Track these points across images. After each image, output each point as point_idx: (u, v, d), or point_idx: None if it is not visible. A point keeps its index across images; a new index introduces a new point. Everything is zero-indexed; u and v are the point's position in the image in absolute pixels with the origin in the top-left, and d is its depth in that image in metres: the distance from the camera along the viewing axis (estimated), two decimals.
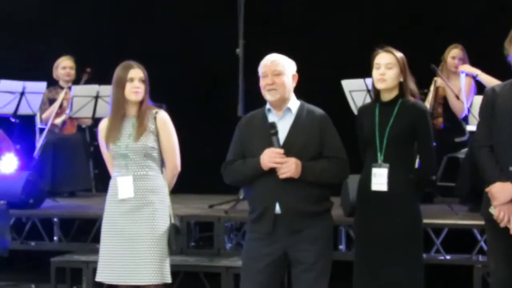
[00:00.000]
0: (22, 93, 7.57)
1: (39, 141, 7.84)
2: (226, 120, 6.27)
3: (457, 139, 7.61)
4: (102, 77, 6.28)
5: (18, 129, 7.92)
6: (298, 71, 4.63)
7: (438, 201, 7.13)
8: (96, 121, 7.69)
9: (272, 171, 4.40)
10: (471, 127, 6.97)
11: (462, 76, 7.47)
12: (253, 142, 4.53)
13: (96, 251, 4.98)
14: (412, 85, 4.66)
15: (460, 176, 7.04)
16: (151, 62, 5.03)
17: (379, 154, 4.57)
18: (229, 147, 4.69)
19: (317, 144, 4.48)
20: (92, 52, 8.97)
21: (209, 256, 6.38)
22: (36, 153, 7.74)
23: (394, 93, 4.62)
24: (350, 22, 8.47)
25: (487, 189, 4.29)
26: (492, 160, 4.28)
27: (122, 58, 4.94)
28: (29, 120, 8.09)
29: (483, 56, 7.22)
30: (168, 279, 4.77)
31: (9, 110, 7.61)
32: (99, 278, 4.82)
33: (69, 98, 7.92)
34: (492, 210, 4.27)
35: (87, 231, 6.88)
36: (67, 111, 7.95)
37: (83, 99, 7.75)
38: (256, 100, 4.76)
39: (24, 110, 7.67)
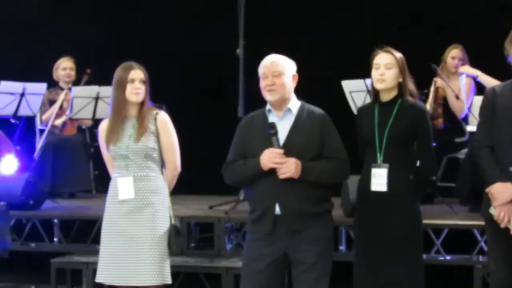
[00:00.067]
0: (22, 94, 7.57)
1: (39, 142, 7.84)
2: (226, 120, 6.27)
3: (457, 140, 7.61)
4: (102, 77, 6.28)
5: (18, 130, 7.92)
6: (298, 71, 4.63)
7: (438, 202, 7.13)
8: (96, 122, 7.70)
9: (272, 172, 4.40)
10: (471, 128, 6.97)
11: (463, 77, 7.48)
12: (253, 143, 4.53)
13: (96, 252, 4.98)
14: (411, 85, 4.66)
15: (460, 177, 7.05)
16: (151, 62, 5.02)
17: (378, 154, 4.56)
18: (230, 147, 4.69)
19: (318, 144, 4.48)
20: (92, 53, 8.98)
21: (209, 257, 6.38)
22: (36, 154, 7.74)
23: (393, 93, 4.62)
24: (350, 22, 8.47)
25: (487, 190, 4.29)
26: (492, 160, 4.28)
27: (122, 58, 4.93)
28: (29, 121, 8.08)
29: (483, 56, 7.23)
30: (169, 280, 4.76)
31: (9, 111, 7.61)
32: (99, 279, 4.81)
33: (69, 99, 7.93)
34: (492, 210, 4.27)
35: (87, 232, 6.88)
36: (67, 112, 7.95)
37: (83, 100, 7.75)
38: (256, 101, 4.76)
39: (24, 111, 7.67)
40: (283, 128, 4.48)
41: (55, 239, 7.08)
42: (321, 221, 4.49)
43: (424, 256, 4.93)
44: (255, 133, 4.55)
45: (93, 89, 7.78)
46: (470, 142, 7.08)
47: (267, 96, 4.52)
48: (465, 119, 7.54)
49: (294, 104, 4.57)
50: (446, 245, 6.29)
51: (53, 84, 8.23)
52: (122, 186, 4.74)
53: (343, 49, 8.22)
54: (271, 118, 4.54)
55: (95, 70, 8.38)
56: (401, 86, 4.61)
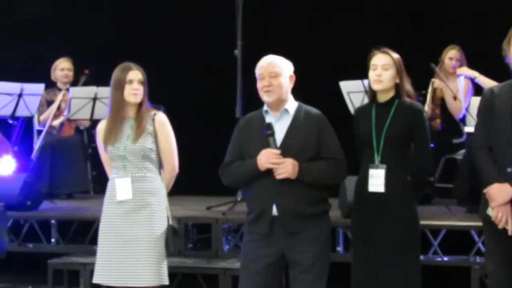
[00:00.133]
0: (20, 95, 7.56)
1: (37, 143, 7.83)
2: (224, 121, 6.26)
3: (455, 141, 7.61)
4: (101, 77, 6.27)
5: (16, 131, 7.91)
6: (298, 71, 4.62)
7: (436, 202, 7.14)
8: (94, 122, 7.69)
9: (270, 173, 4.40)
10: (469, 128, 6.97)
11: (461, 78, 7.48)
12: (251, 144, 4.53)
13: (93, 253, 4.98)
14: (408, 86, 4.66)
15: (458, 178, 7.04)
16: (149, 63, 5.02)
17: (376, 155, 4.56)
18: (227, 148, 4.68)
19: (315, 145, 4.48)
20: (92, 53, 8.97)
21: (207, 258, 6.37)
22: (34, 155, 7.74)
23: (391, 94, 4.62)
24: (350, 22, 8.47)
25: (485, 190, 4.28)
26: (490, 161, 4.28)
27: (121, 59, 4.93)
28: (27, 122, 8.08)
29: (483, 57, 7.22)
30: (166, 281, 4.76)
31: (6, 111, 7.60)
32: (96, 280, 4.81)
33: (67, 99, 7.92)
34: (490, 211, 4.27)
35: (84, 233, 6.88)
36: (65, 113, 7.95)
37: (81, 100, 7.74)
38: (254, 102, 4.75)
39: (22, 112, 7.66)
40: (280, 129, 4.48)
41: (53, 240, 7.08)
42: (319, 222, 4.49)
43: (422, 257, 4.94)
44: (252, 133, 4.55)
45: (91, 90, 7.77)
46: (468, 143, 7.08)
47: (264, 97, 4.52)
48: (463, 120, 7.54)
49: (291, 104, 4.56)
50: (444, 246, 6.29)
51: (51, 85, 8.23)
52: (120, 187, 4.74)
53: (343, 49, 8.21)
54: (268, 118, 4.54)
55: (94, 71, 8.37)
56: (398, 87, 4.61)
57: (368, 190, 4.56)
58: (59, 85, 8.27)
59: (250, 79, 4.67)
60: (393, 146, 4.54)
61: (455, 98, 7.48)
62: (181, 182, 4.99)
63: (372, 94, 4.69)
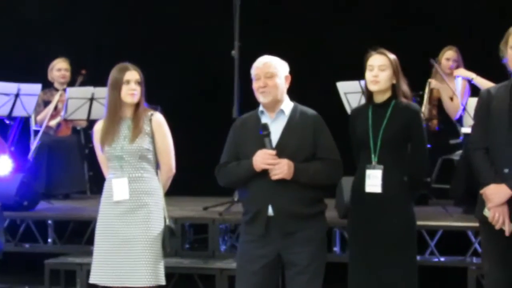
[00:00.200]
0: (17, 95, 7.55)
1: (34, 143, 7.84)
2: (221, 122, 6.26)
3: (452, 141, 7.62)
4: (99, 78, 6.27)
5: (13, 131, 7.90)
6: (295, 72, 4.62)
7: (433, 203, 7.14)
8: (91, 123, 7.69)
9: (265, 173, 4.39)
10: (466, 129, 6.97)
11: (458, 79, 7.48)
12: (246, 144, 4.52)
13: (90, 253, 4.97)
14: (405, 86, 4.66)
15: (454, 178, 7.05)
16: (146, 63, 5.02)
17: (373, 155, 4.56)
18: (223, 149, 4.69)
19: (311, 145, 4.47)
20: (91, 53, 8.97)
21: (204, 258, 6.37)
22: (30, 155, 7.74)
23: (387, 94, 4.62)
24: (347, 22, 8.47)
25: (481, 191, 4.29)
26: (487, 162, 4.29)
27: (118, 59, 4.92)
28: (24, 122, 8.07)
29: (482, 57, 7.22)
30: (163, 281, 4.76)
31: (3, 112, 7.59)
32: (93, 280, 4.80)
33: (64, 100, 7.92)
34: (486, 212, 4.27)
35: (81, 233, 6.88)
36: (62, 113, 7.95)
37: (78, 101, 7.75)
38: (252, 102, 4.75)
39: (18, 112, 7.65)
40: (276, 129, 4.48)
41: (49, 240, 7.08)
42: (314, 222, 4.49)
43: (418, 257, 4.94)
44: (248, 134, 4.55)
45: (87, 90, 7.78)
46: (464, 143, 7.09)
47: (260, 97, 4.52)
48: (459, 121, 7.55)
49: (287, 105, 4.56)
50: (440, 246, 6.30)
51: (48, 85, 8.22)
52: (116, 187, 4.74)
53: (342, 49, 8.21)
54: (264, 119, 4.54)
55: (93, 71, 8.37)
56: (394, 88, 4.61)
57: (365, 191, 4.55)
58: (56, 85, 8.27)
59: (248, 80, 4.67)
60: (390, 147, 4.54)
61: (451, 98, 7.48)
62: (178, 182, 4.98)
63: (368, 94, 4.69)
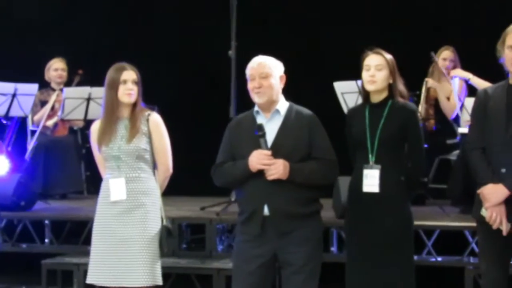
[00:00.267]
0: (14, 95, 7.54)
1: (31, 143, 7.82)
2: (218, 122, 6.25)
3: (449, 141, 7.62)
4: (97, 78, 6.25)
5: (10, 131, 7.89)
6: (291, 72, 4.62)
7: (430, 203, 7.14)
8: (88, 123, 7.68)
9: (261, 173, 4.39)
10: (463, 129, 6.97)
11: (455, 80, 7.48)
12: (242, 144, 4.52)
13: (87, 253, 4.97)
14: (401, 86, 4.66)
15: (452, 178, 7.05)
16: (143, 63, 5.01)
17: (370, 155, 4.56)
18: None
19: (306, 145, 4.48)
20: (90, 53, 8.96)
21: (201, 258, 6.37)
22: (27, 155, 7.72)
23: (384, 94, 4.62)
24: (344, 22, 8.46)
25: (479, 191, 4.29)
26: (484, 162, 4.29)
27: (115, 59, 4.92)
28: (20, 122, 8.06)
29: (482, 57, 7.22)
30: (160, 281, 4.76)
31: (0, 112, 7.58)
32: (90, 280, 4.80)
33: (60, 100, 7.91)
34: (483, 212, 4.27)
35: (78, 233, 6.87)
36: (59, 113, 7.94)
37: (75, 101, 7.73)
38: (249, 102, 4.75)
39: (15, 112, 7.63)
40: (271, 130, 4.48)
41: (46, 240, 7.07)
42: (310, 222, 4.50)
43: (415, 257, 4.94)
44: (243, 134, 4.55)
45: (84, 90, 7.76)
46: (462, 143, 7.09)
47: (255, 98, 4.52)
48: (456, 120, 7.54)
49: (282, 105, 4.56)
50: (437, 246, 6.30)
51: (44, 85, 8.21)
52: (114, 187, 4.74)
53: (336, 50, 8.21)
54: (259, 119, 4.54)
55: (92, 71, 8.35)
56: (391, 88, 4.61)
57: (363, 190, 4.56)
58: (53, 85, 8.26)
59: (244, 80, 4.67)
60: (387, 147, 4.54)
61: (448, 98, 7.48)
62: (175, 182, 4.98)
63: (365, 94, 4.69)
